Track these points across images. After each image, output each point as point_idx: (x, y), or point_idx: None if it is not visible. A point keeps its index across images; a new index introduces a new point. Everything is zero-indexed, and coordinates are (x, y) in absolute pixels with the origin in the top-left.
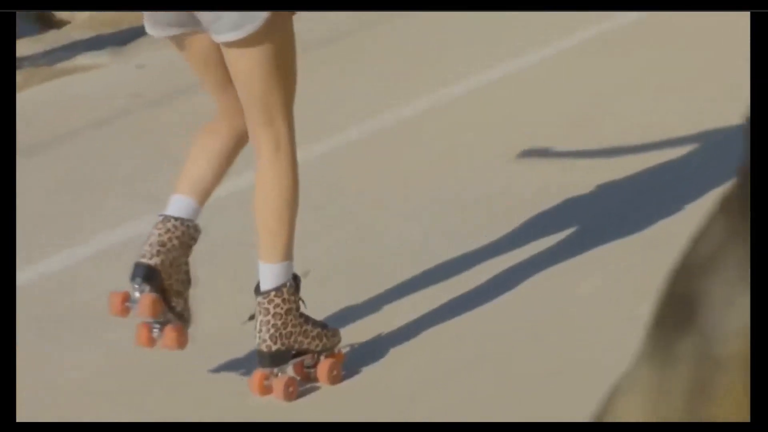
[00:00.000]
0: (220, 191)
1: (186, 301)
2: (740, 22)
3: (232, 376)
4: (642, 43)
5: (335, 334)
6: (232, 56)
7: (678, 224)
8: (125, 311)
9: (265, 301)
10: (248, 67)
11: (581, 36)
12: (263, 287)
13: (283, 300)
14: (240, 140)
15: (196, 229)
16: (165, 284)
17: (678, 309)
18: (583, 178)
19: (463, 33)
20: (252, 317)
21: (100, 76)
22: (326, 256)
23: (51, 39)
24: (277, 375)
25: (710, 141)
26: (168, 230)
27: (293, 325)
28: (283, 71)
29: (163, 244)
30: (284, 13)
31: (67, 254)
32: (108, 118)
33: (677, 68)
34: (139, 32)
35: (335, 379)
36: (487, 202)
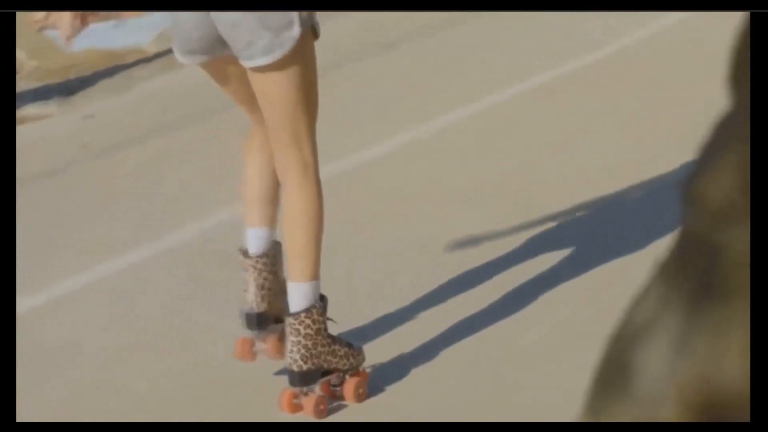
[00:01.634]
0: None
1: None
2: (682, 70)
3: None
4: (584, 92)
5: (360, 353)
6: (261, 81)
7: (626, 271)
8: (253, 355)
9: (296, 322)
10: (278, 91)
11: (522, 86)
12: (293, 308)
13: (313, 321)
14: None
15: (277, 250)
16: (276, 313)
17: (613, 376)
18: (530, 224)
19: (418, 79)
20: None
21: (47, 126)
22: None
23: None
24: (306, 394)
25: (656, 187)
26: (259, 270)
27: (322, 345)
28: (309, 94)
29: (261, 287)
30: (308, 37)
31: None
32: (56, 168)
33: (619, 115)
34: (86, 82)
35: (361, 397)
36: (434, 247)
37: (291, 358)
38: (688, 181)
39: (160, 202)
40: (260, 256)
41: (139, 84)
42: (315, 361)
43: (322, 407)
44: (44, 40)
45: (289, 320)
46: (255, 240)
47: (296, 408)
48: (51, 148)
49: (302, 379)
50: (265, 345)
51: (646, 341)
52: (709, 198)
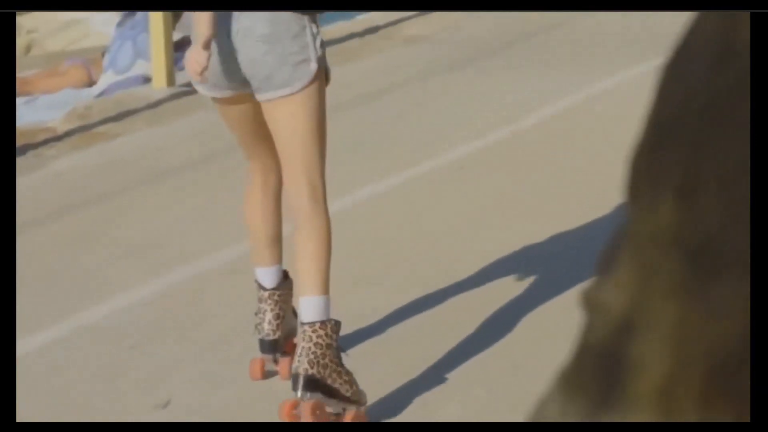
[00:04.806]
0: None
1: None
2: (594, 146)
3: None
4: (496, 167)
5: (362, 393)
6: (277, 113)
7: (540, 349)
8: (265, 375)
9: (310, 330)
10: (293, 123)
11: (434, 162)
12: (309, 318)
13: (326, 334)
14: (276, 190)
15: (290, 280)
16: (287, 338)
17: None
18: (445, 298)
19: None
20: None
21: None
22: None
23: None
24: (305, 400)
25: (569, 264)
26: (275, 302)
27: (330, 360)
28: (321, 128)
29: (277, 317)
30: (322, 76)
31: None
32: None
33: (532, 192)
34: None
35: None
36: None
37: (298, 361)
38: (590, 289)
39: (70, 282)
40: (276, 289)
41: (49, 163)
42: (321, 370)
43: (318, 412)
44: None
45: (303, 328)
46: (268, 276)
47: (295, 418)
48: None
49: (306, 382)
50: (277, 367)
51: None
52: (611, 307)
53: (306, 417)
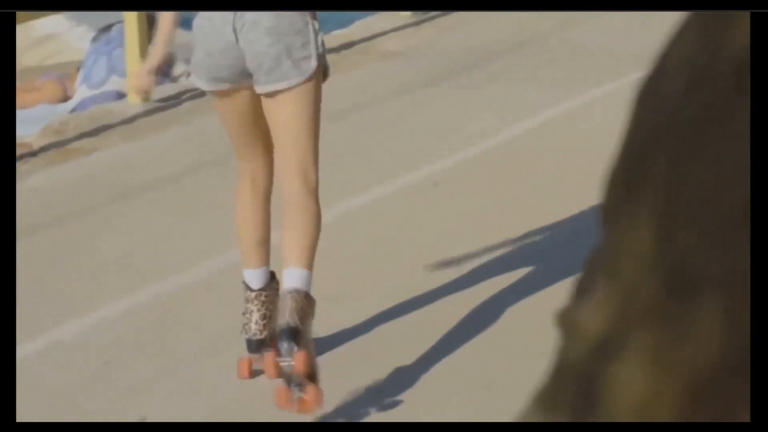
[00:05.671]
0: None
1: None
2: (570, 160)
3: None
4: (469, 183)
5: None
6: (276, 105)
7: (526, 363)
8: (252, 373)
9: (297, 295)
10: (291, 117)
11: (407, 178)
12: (295, 285)
13: (308, 305)
14: (265, 192)
15: (276, 281)
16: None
17: None
18: (434, 307)
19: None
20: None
21: None
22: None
23: None
24: (294, 351)
25: (544, 279)
26: (263, 302)
27: (309, 329)
28: (316, 124)
29: (264, 317)
30: (320, 74)
31: None
32: None
33: (507, 207)
34: None
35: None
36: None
37: (289, 316)
38: (567, 310)
39: (44, 298)
40: (262, 290)
41: (25, 178)
42: (306, 332)
43: (311, 364)
44: None
45: (291, 293)
46: (256, 278)
47: (279, 370)
48: None
49: (294, 333)
50: (261, 366)
51: None
52: (587, 329)
53: (299, 367)
